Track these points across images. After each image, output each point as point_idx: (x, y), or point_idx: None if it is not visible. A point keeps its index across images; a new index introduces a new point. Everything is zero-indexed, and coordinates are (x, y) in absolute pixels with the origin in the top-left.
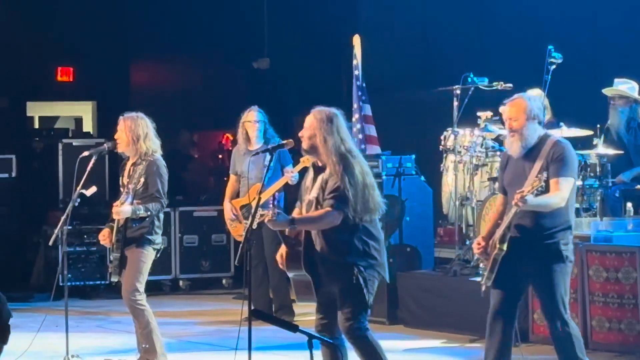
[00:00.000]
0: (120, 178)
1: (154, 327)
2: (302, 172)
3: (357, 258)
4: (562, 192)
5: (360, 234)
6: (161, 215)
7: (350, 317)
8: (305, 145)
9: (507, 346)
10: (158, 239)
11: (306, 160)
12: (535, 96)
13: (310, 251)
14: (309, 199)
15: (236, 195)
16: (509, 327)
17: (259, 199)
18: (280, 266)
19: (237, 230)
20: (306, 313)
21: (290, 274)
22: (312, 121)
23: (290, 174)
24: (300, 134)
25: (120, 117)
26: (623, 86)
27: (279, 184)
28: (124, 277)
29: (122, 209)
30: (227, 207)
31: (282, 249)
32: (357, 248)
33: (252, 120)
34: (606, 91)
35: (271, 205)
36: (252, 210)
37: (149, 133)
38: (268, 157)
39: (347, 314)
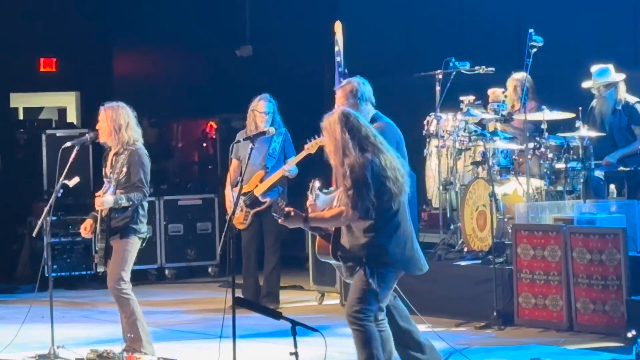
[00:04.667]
0: (103, 169)
1: (139, 316)
2: (300, 166)
3: (371, 258)
4: None
5: (382, 232)
6: (145, 204)
7: (352, 304)
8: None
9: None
10: (143, 228)
11: (310, 148)
12: (361, 81)
13: (338, 241)
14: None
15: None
16: None
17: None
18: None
19: (238, 219)
20: (291, 300)
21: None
22: (325, 137)
23: (287, 167)
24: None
25: (101, 107)
26: (600, 79)
27: (275, 176)
28: (109, 267)
29: (105, 199)
30: (229, 194)
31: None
32: (378, 248)
33: (260, 111)
34: (586, 85)
35: (280, 204)
36: (235, 199)
37: (130, 122)
38: (272, 145)
39: (351, 300)
